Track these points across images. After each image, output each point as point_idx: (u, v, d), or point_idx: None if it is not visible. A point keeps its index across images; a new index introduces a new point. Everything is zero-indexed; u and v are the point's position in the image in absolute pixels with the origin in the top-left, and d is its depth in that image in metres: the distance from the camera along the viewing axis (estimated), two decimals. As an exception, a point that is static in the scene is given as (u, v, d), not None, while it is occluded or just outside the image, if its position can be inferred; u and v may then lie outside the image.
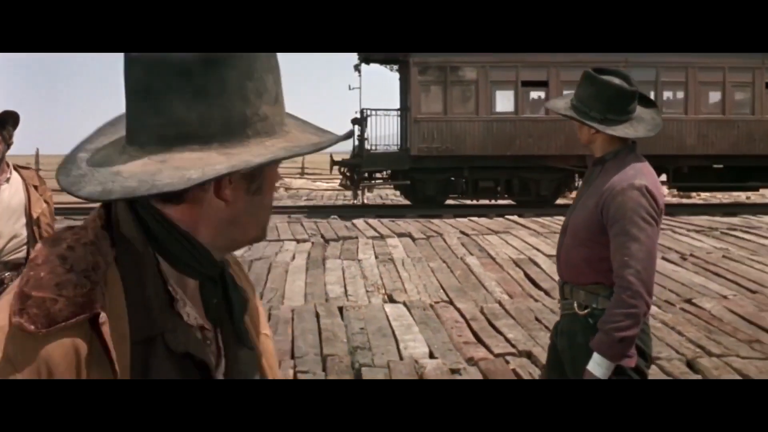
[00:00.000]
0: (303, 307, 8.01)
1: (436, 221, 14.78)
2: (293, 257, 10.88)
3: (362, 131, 20.16)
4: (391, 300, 8.42)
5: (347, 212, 17.98)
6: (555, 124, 18.43)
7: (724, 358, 6.20)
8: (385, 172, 20.42)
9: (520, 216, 15.58)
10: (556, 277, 3.45)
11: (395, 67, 21.49)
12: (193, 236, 1.19)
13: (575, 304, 3.13)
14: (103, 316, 1.06)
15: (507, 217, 15.43)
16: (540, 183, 19.28)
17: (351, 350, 6.56)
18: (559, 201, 20.26)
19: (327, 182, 33.35)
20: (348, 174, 20.34)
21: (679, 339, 6.79)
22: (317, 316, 7.61)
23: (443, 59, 18.64)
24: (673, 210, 17.59)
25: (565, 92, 18.90)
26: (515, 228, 13.55)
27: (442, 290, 8.82)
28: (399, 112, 21.02)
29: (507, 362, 6.11)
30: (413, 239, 12.46)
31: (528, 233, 12.90)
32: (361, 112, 20.40)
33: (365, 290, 8.86)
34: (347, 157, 20.48)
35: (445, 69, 18.88)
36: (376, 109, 20.83)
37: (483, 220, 14.96)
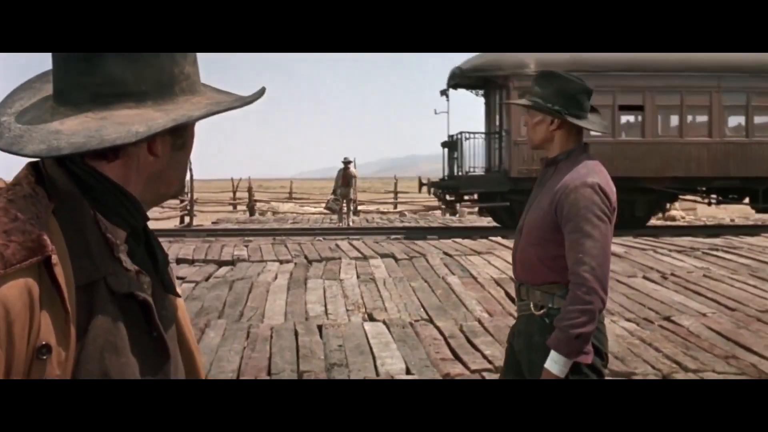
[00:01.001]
0: (282, 325, 8.00)
1: (420, 242, 14.81)
2: (275, 277, 10.86)
3: (454, 154, 20.32)
4: (371, 318, 8.43)
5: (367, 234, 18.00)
6: (650, 147, 18.86)
7: (700, 374, 6.24)
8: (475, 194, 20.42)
9: (503, 237, 15.62)
10: None
11: (480, 91, 21.52)
12: (126, 189, 1.24)
13: (531, 305, 3.14)
14: (55, 258, 1.11)
15: (491, 238, 15.46)
16: (634, 204, 19.38)
17: (328, 367, 6.56)
18: (652, 222, 20.50)
19: (314, 206, 33.37)
20: (442, 196, 20.41)
21: (656, 355, 6.82)
22: (296, 334, 7.61)
23: None
24: (656, 231, 17.69)
25: (659, 116, 19.54)
26: (498, 249, 13.57)
27: (422, 309, 8.82)
28: (490, 135, 21.05)
29: (483, 378, 6.11)
30: (396, 260, 12.47)
31: (509, 253, 12.88)
32: (451, 135, 20.60)
33: (345, 309, 8.86)
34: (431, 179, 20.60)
35: None
36: (473, 132, 20.99)
37: (466, 241, 14.97)
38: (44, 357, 1.09)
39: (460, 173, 20.58)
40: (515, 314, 8.08)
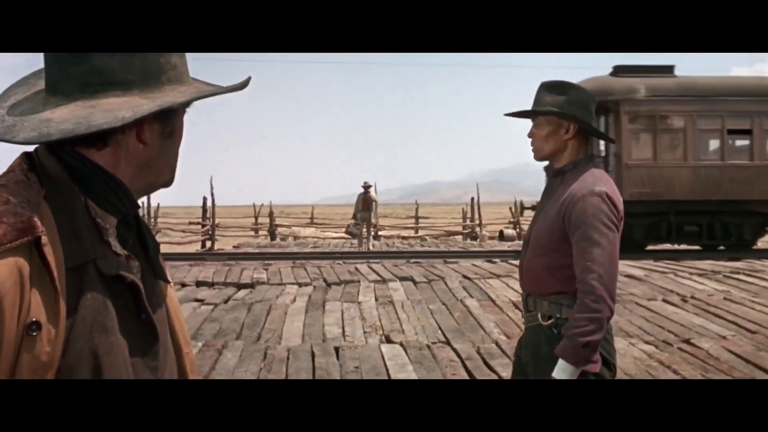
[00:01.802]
0: (299, 346, 8.02)
1: (439, 265, 14.80)
2: (294, 300, 10.89)
3: None
4: (388, 340, 8.43)
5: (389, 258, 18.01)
6: (759, 170, 18.97)
7: (718, 396, 6.16)
8: None
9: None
10: None
11: None
12: (116, 176, 1.30)
13: (539, 315, 3.13)
14: (44, 239, 1.16)
15: (510, 261, 15.42)
16: (742, 227, 19.40)
17: (343, 388, 6.54)
18: (759, 245, 20.43)
19: (335, 231, 33.43)
20: None
21: (674, 377, 6.75)
22: (313, 355, 7.62)
23: (651, 108, 19.07)
24: (677, 255, 17.55)
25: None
26: (517, 272, 13.52)
27: (439, 331, 8.81)
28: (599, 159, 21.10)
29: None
30: (415, 283, 12.47)
31: (529, 276, 12.87)
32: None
33: (363, 331, 8.87)
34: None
35: (654, 117, 19.22)
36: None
37: (486, 265, 14.96)
38: (34, 333, 1.14)
39: None
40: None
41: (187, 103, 1.33)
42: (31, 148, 1.29)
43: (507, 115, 3.34)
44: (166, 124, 1.34)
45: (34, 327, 1.14)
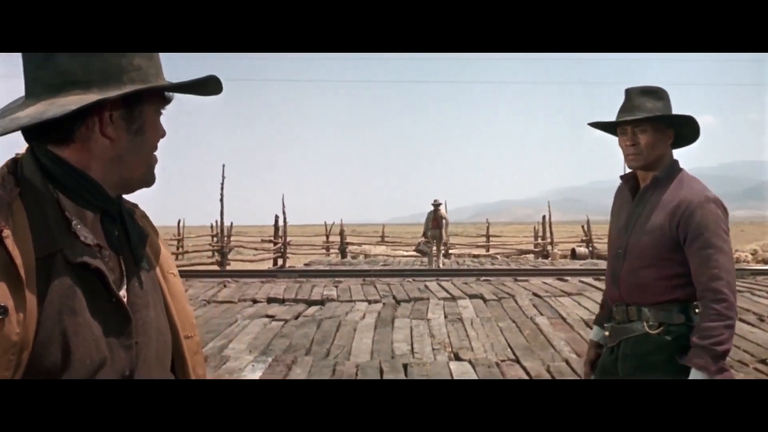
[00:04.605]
0: (368, 363, 8.03)
1: (509, 283, 14.68)
2: (363, 316, 10.94)
3: None
4: (457, 358, 8.37)
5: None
6: None
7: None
8: None
9: (595, 279, 15.32)
10: None
11: None
12: (85, 172, 1.42)
13: (645, 325, 3.07)
14: (6, 232, 1.28)
15: (581, 279, 15.20)
16: None
17: (411, 404, 6.53)
18: None
19: (406, 250, 33.44)
20: None
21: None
22: (381, 371, 7.62)
23: None
24: (754, 273, 17.05)
25: None
26: (589, 290, 13.33)
27: (509, 349, 8.73)
28: None
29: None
30: (485, 300, 12.39)
31: (601, 295, 12.66)
32: None
33: (432, 348, 8.84)
34: None
35: None
36: None
37: (557, 283, 14.77)
38: (1, 317, 1.24)
39: None
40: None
41: (129, 94, 1.40)
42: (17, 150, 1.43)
43: (597, 124, 3.28)
44: (132, 120, 1.44)
45: (1, 311, 1.24)
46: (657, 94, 3.16)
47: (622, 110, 3.19)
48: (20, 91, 1.46)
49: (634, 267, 3.15)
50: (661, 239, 3.04)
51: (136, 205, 1.62)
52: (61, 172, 1.39)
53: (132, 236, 1.51)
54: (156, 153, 1.52)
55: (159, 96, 1.49)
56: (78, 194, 1.41)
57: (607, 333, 3.33)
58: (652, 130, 3.14)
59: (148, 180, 1.51)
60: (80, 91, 1.37)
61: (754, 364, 7.76)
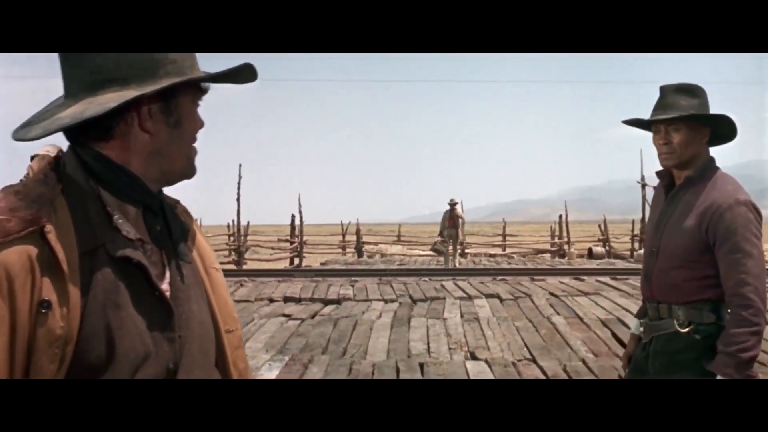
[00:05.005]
0: (384, 362, 8.04)
1: (526, 283, 14.66)
2: (379, 316, 10.96)
3: None
4: (473, 357, 8.37)
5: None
6: None
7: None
8: None
9: (612, 278, 15.28)
10: None
11: None
12: (125, 167, 1.43)
13: (675, 323, 3.06)
14: (48, 227, 1.30)
15: (598, 279, 15.15)
16: None
17: (427, 403, 6.52)
18: None
19: (422, 249, 33.43)
20: None
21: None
22: (397, 370, 7.63)
23: None
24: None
25: None
26: (606, 290, 13.30)
27: (525, 348, 8.72)
28: None
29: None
30: (501, 300, 12.38)
31: (618, 294, 12.66)
32: None
33: (448, 347, 8.84)
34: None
35: None
36: None
37: (574, 282, 14.73)
38: (44, 311, 1.27)
39: None
40: (621, 356, 7.86)
41: (167, 89, 1.41)
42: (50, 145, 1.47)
43: (631, 122, 3.23)
44: (170, 113, 1.45)
45: (45, 305, 1.27)
46: (692, 91, 3.11)
47: (656, 108, 3.15)
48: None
49: (665, 267, 3.13)
50: (691, 241, 3.01)
51: (177, 201, 1.63)
52: (103, 169, 1.41)
53: (174, 230, 1.53)
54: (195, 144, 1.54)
55: (195, 87, 1.50)
56: (119, 189, 1.43)
57: (641, 329, 3.33)
58: (686, 128, 3.09)
59: (188, 172, 1.53)
60: (117, 87, 1.38)
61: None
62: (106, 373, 1.33)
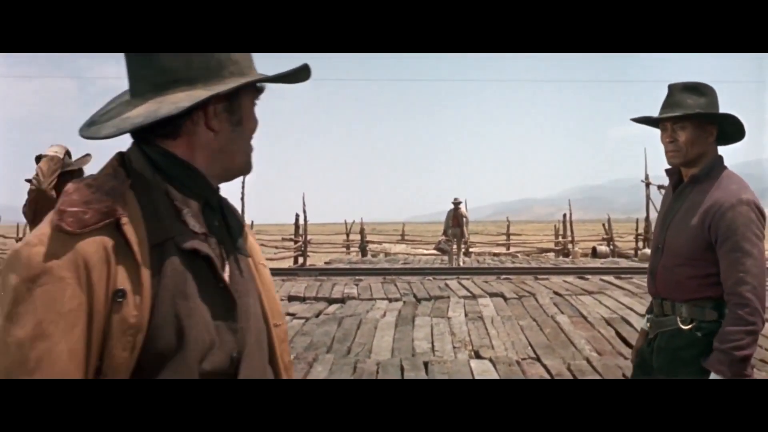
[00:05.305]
0: (389, 361, 8.06)
1: (530, 282, 14.67)
2: (384, 314, 10.98)
3: None
4: (478, 356, 8.39)
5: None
6: None
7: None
8: None
9: (616, 277, 15.28)
10: None
11: None
12: (191, 164, 1.48)
13: (678, 320, 3.09)
14: (124, 219, 1.36)
15: (602, 278, 15.15)
16: None
17: (432, 402, 6.54)
18: None
19: (426, 248, 33.43)
20: None
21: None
22: (402, 369, 7.65)
23: None
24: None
25: None
26: (610, 288, 13.30)
27: (530, 347, 8.73)
28: None
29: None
30: (505, 299, 12.40)
31: (622, 293, 12.67)
32: None
33: (452, 346, 8.86)
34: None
35: None
36: None
37: (578, 281, 14.74)
38: (120, 300, 1.32)
39: None
40: (625, 354, 7.88)
41: (237, 89, 1.47)
42: (122, 145, 1.50)
43: (640, 119, 3.23)
44: (233, 112, 1.50)
45: (120, 294, 1.32)
46: (700, 90, 3.13)
47: (664, 106, 3.17)
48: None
49: (668, 264, 3.16)
50: (694, 240, 3.03)
51: (225, 199, 1.67)
52: (170, 165, 1.46)
53: (232, 226, 1.59)
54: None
55: (254, 87, 1.55)
56: (184, 185, 1.48)
57: (648, 324, 3.35)
58: (692, 127, 3.10)
59: (247, 169, 1.58)
60: (185, 87, 1.44)
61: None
62: (175, 361, 1.37)
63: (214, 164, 1.51)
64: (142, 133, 1.45)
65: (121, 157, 1.48)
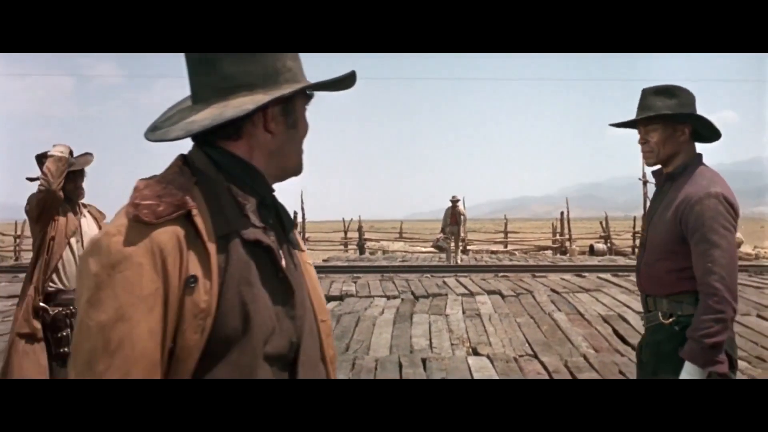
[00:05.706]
0: (387, 357, 8.13)
1: (527, 279, 14.72)
2: (382, 312, 11.04)
3: None
4: (475, 353, 8.46)
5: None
6: None
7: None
8: None
9: (613, 275, 15.34)
10: None
11: None
12: (251, 163, 1.59)
13: (659, 314, 3.18)
14: (195, 211, 1.47)
15: (599, 276, 15.21)
16: None
17: (430, 398, 6.59)
18: None
19: (424, 246, 33.46)
20: None
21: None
22: (400, 366, 7.71)
23: None
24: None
25: None
26: (607, 286, 13.36)
27: (527, 344, 8.80)
28: None
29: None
30: (503, 296, 12.46)
31: (619, 291, 12.73)
32: None
33: (450, 343, 8.92)
34: None
35: None
36: None
37: (575, 279, 14.81)
38: (192, 285, 1.42)
39: None
40: (621, 351, 7.93)
41: (295, 93, 1.57)
42: (184, 147, 1.60)
43: (617, 125, 3.32)
44: (289, 115, 1.61)
45: (192, 280, 1.42)
46: (671, 92, 3.22)
47: (637, 110, 3.27)
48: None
49: (649, 260, 3.25)
50: (669, 234, 3.12)
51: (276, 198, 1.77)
52: (232, 164, 1.57)
53: (285, 222, 1.70)
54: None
55: (305, 93, 1.66)
56: (245, 183, 1.58)
57: (643, 322, 3.44)
58: (662, 128, 3.20)
59: (299, 169, 1.70)
60: (246, 92, 1.54)
61: (772, 359, 7.78)
62: (242, 344, 1.46)
63: (270, 164, 1.61)
64: (204, 136, 1.55)
65: (183, 158, 1.58)
